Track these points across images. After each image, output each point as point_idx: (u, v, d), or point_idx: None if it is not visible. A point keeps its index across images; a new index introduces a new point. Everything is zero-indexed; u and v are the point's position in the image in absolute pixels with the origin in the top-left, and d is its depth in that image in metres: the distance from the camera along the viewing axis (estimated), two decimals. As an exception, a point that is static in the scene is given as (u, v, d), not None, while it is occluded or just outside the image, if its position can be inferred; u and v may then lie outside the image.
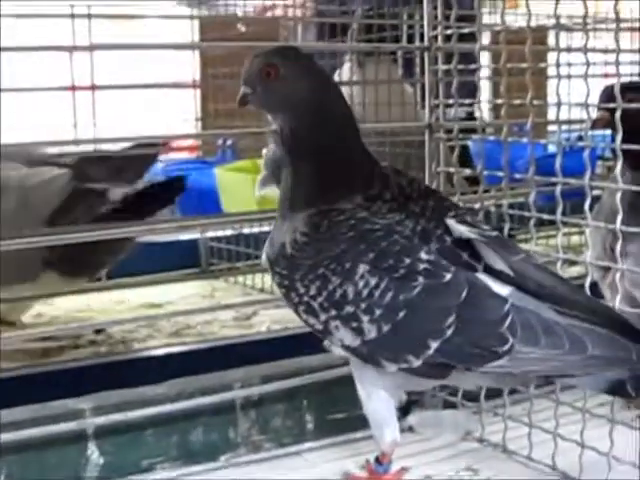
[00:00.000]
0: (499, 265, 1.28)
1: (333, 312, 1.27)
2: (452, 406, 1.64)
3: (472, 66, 1.68)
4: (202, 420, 1.52)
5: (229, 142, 2.95)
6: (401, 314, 1.24)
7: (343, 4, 2.87)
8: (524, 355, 1.23)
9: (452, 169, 1.67)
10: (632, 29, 2.58)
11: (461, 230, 1.29)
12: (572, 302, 1.28)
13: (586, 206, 1.40)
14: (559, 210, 1.43)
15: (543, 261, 1.50)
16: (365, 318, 1.25)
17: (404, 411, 1.54)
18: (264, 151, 1.43)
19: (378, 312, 1.24)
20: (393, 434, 1.37)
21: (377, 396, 1.35)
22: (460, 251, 1.28)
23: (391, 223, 1.28)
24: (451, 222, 1.30)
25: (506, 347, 1.23)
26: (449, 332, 1.23)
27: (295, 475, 1.49)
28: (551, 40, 1.93)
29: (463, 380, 1.35)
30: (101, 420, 1.44)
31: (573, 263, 1.62)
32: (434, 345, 1.24)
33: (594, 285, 1.44)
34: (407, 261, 1.25)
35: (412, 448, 1.54)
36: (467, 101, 1.63)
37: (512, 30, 1.62)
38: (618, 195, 1.35)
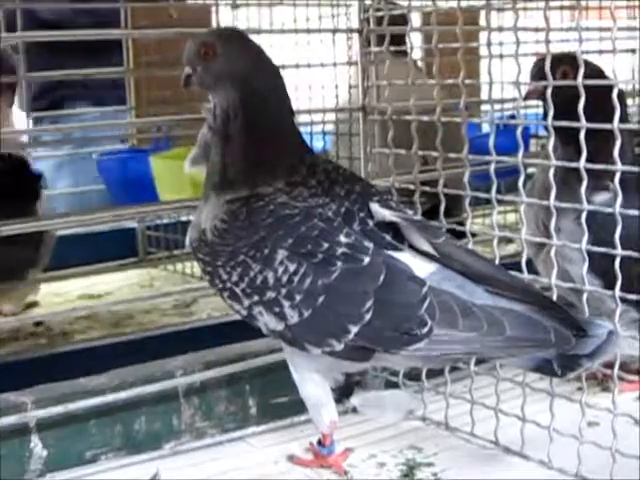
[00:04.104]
0: (424, 246, 1.30)
1: (256, 298, 1.28)
2: (394, 386, 1.65)
3: (404, 47, 1.69)
4: (145, 409, 1.52)
5: (163, 130, 2.93)
6: (320, 299, 1.25)
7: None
8: (443, 337, 1.25)
9: (387, 150, 1.68)
10: (562, 7, 2.61)
11: (384, 213, 1.31)
12: (495, 280, 1.29)
13: (520, 184, 1.41)
14: (494, 188, 1.44)
15: (479, 239, 1.52)
16: (286, 303, 1.26)
17: (346, 393, 1.56)
18: (201, 130, 1.43)
19: (298, 297, 1.26)
20: (330, 415, 1.38)
21: (311, 379, 1.36)
22: (383, 233, 1.30)
23: (311, 206, 1.30)
24: (375, 206, 1.32)
25: (425, 330, 1.24)
26: (368, 316, 1.24)
27: (240, 460, 1.49)
28: (482, 20, 1.95)
29: (389, 361, 1.36)
30: (43, 413, 1.42)
31: (509, 241, 1.63)
32: (354, 329, 1.25)
33: (529, 262, 1.45)
34: (325, 245, 1.26)
35: (356, 429, 1.55)
36: (399, 82, 1.63)
37: (443, 11, 1.63)
38: (551, 171, 1.37)
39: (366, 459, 1.47)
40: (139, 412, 1.51)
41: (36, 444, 1.43)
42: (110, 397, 1.48)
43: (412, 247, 1.30)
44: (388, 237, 1.30)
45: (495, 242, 1.47)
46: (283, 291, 1.26)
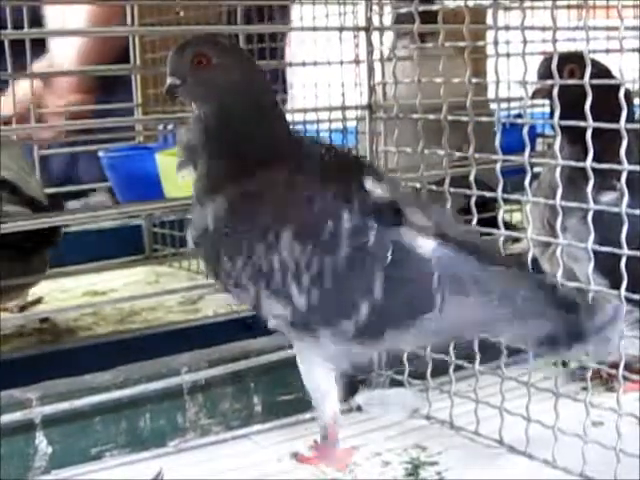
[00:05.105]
0: (421, 221, 1.30)
1: (262, 284, 1.28)
2: (399, 384, 1.65)
3: (412, 46, 1.68)
4: (150, 406, 1.52)
5: (170, 127, 2.93)
6: (329, 280, 1.25)
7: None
8: (454, 309, 1.25)
9: (393, 148, 1.67)
10: (569, 6, 2.61)
11: (381, 190, 1.32)
12: (494, 255, 1.31)
13: (526, 183, 1.41)
14: (500, 187, 1.44)
15: (485, 238, 1.52)
16: (294, 287, 1.26)
17: (351, 391, 1.56)
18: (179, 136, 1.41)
19: (306, 280, 1.26)
20: (333, 405, 1.38)
21: (317, 369, 1.36)
22: (382, 210, 1.29)
23: (311, 189, 1.29)
24: (371, 183, 1.32)
25: (436, 302, 1.25)
26: (378, 293, 1.25)
27: (244, 458, 1.49)
28: (489, 19, 1.94)
29: (399, 342, 1.36)
30: (48, 409, 1.43)
31: (516, 240, 1.63)
32: (365, 308, 1.26)
33: (535, 261, 1.45)
34: (330, 225, 1.26)
35: (360, 427, 1.55)
36: (406, 81, 1.63)
37: (450, 9, 1.63)
38: (557, 170, 1.37)
39: (370, 457, 1.47)
40: (144, 409, 1.52)
41: (41, 440, 1.43)
42: (115, 394, 1.48)
43: (410, 222, 1.30)
44: (387, 213, 1.30)
45: (501, 241, 1.46)
46: (290, 274, 1.26)
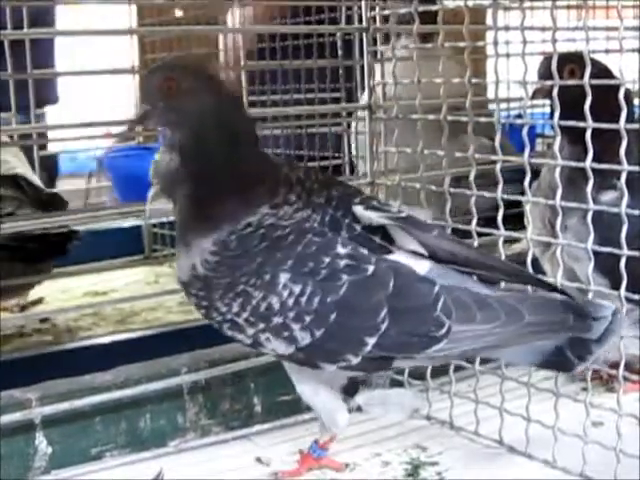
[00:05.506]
0: (412, 245, 1.28)
1: (261, 325, 1.24)
2: (399, 385, 1.65)
3: (411, 46, 1.68)
4: (150, 406, 1.52)
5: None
6: (332, 316, 1.22)
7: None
8: (462, 334, 1.23)
9: (393, 149, 1.67)
10: (569, 7, 2.61)
11: (370, 216, 1.28)
12: (492, 269, 1.29)
13: (526, 183, 1.41)
14: (499, 187, 1.44)
15: (485, 240, 1.52)
16: (296, 326, 1.23)
17: (352, 391, 1.55)
18: (153, 162, 1.36)
19: (308, 318, 1.22)
20: (345, 417, 1.37)
21: (318, 389, 1.35)
22: (372, 236, 1.27)
23: (300, 222, 1.26)
24: (358, 209, 1.29)
25: (443, 330, 1.22)
26: (384, 325, 1.22)
27: (244, 458, 1.49)
28: (489, 19, 1.94)
29: (405, 364, 1.37)
30: (48, 409, 1.43)
31: (515, 240, 1.63)
32: (371, 341, 1.22)
33: (535, 261, 1.45)
34: (327, 260, 1.23)
35: (361, 427, 1.55)
36: (405, 81, 1.63)
37: (450, 9, 1.63)
38: (557, 170, 1.37)
39: (370, 458, 1.47)
40: (144, 409, 1.52)
41: (41, 441, 1.43)
42: (115, 394, 1.48)
43: (401, 247, 1.28)
44: (378, 240, 1.27)
45: (501, 241, 1.46)
46: (291, 314, 1.23)
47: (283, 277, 1.23)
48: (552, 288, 1.30)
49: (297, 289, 1.22)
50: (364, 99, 1.83)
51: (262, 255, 1.24)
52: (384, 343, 1.23)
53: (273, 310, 1.23)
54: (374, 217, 1.28)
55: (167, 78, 1.29)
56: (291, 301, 1.22)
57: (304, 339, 1.23)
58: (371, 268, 1.23)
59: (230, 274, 1.24)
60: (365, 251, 1.25)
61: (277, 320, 1.23)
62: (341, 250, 1.24)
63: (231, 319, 1.26)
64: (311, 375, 1.33)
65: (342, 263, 1.23)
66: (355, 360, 1.24)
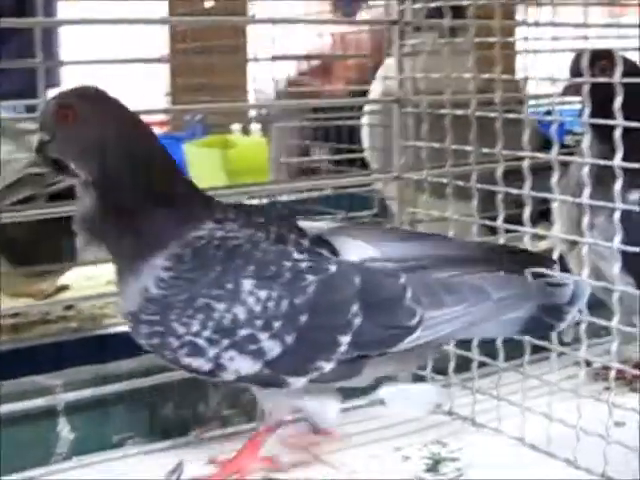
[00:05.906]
0: (360, 250, 1.27)
1: (225, 342, 1.19)
2: (421, 380, 1.65)
3: (441, 41, 1.68)
4: (172, 395, 1.52)
5: (198, 117, 2.94)
6: (303, 318, 1.19)
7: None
8: (435, 320, 1.22)
9: (420, 143, 1.67)
10: (601, 3, 2.59)
11: (317, 226, 1.28)
12: (444, 258, 1.28)
13: (554, 180, 1.40)
14: (527, 185, 1.43)
15: (513, 236, 1.51)
16: (264, 336, 1.18)
17: (374, 385, 1.55)
18: (75, 209, 1.27)
19: (277, 324, 1.18)
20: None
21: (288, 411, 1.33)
22: (320, 249, 1.25)
23: (252, 234, 1.23)
24: (304, 223, 1.28)
25: (416, 319, 1.21)
26: (357, 321, 1.20)
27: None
28: (519, 14, 1.93)
29: (379, 369, 1.30)
30: (71, 396, 1.43)
31: (541, 237, 1.62)
32: (345, 339, 1.20)
33: (561, 258, 1.45)
34: (288, 265, 1.20)
35: (382, 421, 1.55)
36: (435, 75, 1.63)
37: (480, 4, 1.62)
38: (585, 168, 1.36)
39: (391, 452, 1.47)
40: (166, 398, 1.52)
41: (64, 427, 1.44)
42: (138, 382, 1.48)
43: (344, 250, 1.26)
44: (325, 252, 1.24)
45: (527, 238, 1.46)
46: (258, 323, 1.18)
47: (247, 284, 1.19)
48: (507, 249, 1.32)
49: (263, 294, 1.19)
50: (374, 91, 1.82)
51: (221, 264, 1.20)
52: (359, 340, 1.20)
53: (239, 322, 1.18)
54: (320, 225, 1.29)
55: (62, 105, 1.23)
56: (258, 308, 1.18)
57: (272, 349, 1.19)
58: (333, 267, 1.22)
59: (188, 288, 1.19)
60: (323, 252, 1.24)
61: (243, 332, 1.18)
62: (298, 256, 1.22)
63: (190, 341, 1.19)
64: (283, 402, 1.30)
65: (304, 265, 1.21)
66: (328, 367, 1.21)
